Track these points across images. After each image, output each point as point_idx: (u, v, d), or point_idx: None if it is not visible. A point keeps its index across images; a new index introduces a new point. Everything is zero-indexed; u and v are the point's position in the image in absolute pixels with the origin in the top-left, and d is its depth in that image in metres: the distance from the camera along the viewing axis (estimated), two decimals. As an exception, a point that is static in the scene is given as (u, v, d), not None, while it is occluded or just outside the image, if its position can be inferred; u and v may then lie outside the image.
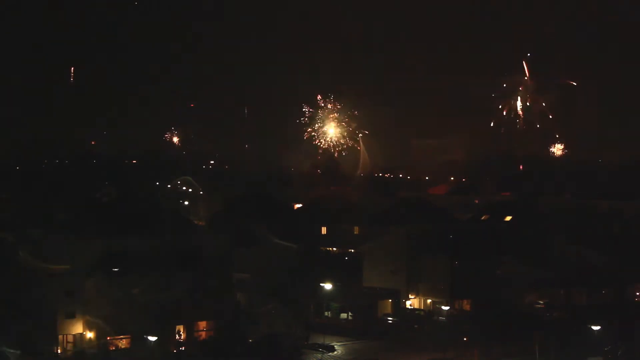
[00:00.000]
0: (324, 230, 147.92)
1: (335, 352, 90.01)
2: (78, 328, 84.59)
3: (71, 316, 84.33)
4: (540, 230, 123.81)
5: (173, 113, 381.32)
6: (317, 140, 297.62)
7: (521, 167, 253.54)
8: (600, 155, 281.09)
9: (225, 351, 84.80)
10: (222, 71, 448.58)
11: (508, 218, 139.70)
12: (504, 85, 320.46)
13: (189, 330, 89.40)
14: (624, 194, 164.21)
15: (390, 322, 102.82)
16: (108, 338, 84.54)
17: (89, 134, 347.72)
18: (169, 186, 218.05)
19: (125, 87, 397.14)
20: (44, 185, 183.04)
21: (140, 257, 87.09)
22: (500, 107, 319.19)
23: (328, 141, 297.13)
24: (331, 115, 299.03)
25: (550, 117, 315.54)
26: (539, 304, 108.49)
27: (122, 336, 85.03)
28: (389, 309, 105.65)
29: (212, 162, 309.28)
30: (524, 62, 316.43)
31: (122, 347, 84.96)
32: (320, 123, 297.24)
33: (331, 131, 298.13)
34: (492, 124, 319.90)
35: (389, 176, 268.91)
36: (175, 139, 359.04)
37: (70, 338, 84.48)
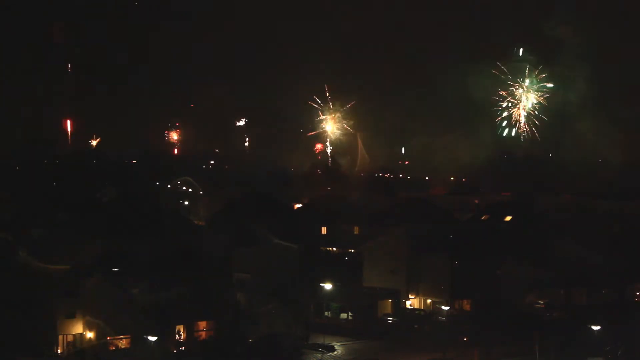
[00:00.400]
0: (324, 230, 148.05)
1: (335, 352, 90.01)
2: (78, 328, 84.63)
3: (71, 316, 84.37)
4: (540, 230, 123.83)
5: (173, 113, 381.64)
6: (318, 140, 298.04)
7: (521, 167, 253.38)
8: (600, 156, 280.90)
9: (225, 351, 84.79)
10: (221, 71, 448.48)
11: (508, 218, 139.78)
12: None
13: (189, 330, 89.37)
14: (624, 194, 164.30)
15: (390, 322, 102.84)
16: (108, 338, 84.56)
17: (89, 134, 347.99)
18: (169, 186, 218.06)
19: (125, 87, 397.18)
20: (44, 185, 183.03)
21: (140, 257, 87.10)
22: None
23: (328, 136, 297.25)
24: (331, 114, 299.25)
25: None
26: (539, 304, 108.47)
27: (122, 336, 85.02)
28: (389, 309, 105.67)
29: (212, 162, 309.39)
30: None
31: (122, 347, 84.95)
32: (321, 121, 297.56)
33: (328, 128, 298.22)
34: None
35: (389, 176, 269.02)
36: (176, 139, 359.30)
37: (70, 338, 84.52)
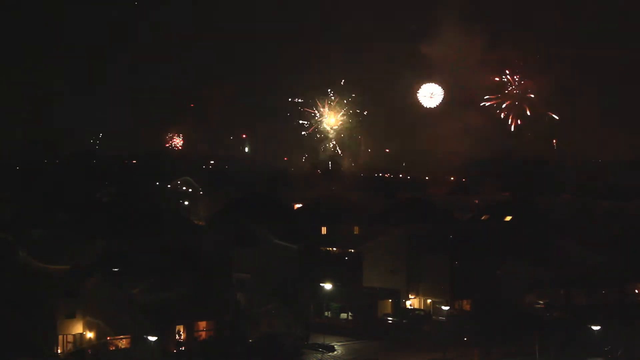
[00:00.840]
0: (324, 230, 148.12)
1: (335, 352, 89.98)
2: (78, 328, 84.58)
3: (71, 316, 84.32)
4: (540, 230, 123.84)
5: (173, 113, 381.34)
6: (318, 138, 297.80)
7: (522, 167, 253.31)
8: (600, 155, 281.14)
9: (225, 351, 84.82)
10: (221, 71, 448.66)
11: (508, 218, 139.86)
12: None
13: (189, 330, 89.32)
14: (624, 194, 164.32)
15: (390, 322, 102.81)
16: (108, 338, 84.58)
17: (89, 134, 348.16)
18: (169, 186, 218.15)
19: (125, 87, 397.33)
20: (44, 185, 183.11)
21: (140, 257, 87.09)
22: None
23: (328, 132, 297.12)
24: (331, 110, 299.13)
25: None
26: (539, 304, 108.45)
27: (122, 336, 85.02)
28: (389, 309, 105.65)
29: (212, 162, 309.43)
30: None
31: (122, 347, 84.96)
32: (321, 118, 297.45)
33: (332, 120, 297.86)
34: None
35: (389, 176, 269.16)
36: (176, 139, 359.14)
37: (70, 338, 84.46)
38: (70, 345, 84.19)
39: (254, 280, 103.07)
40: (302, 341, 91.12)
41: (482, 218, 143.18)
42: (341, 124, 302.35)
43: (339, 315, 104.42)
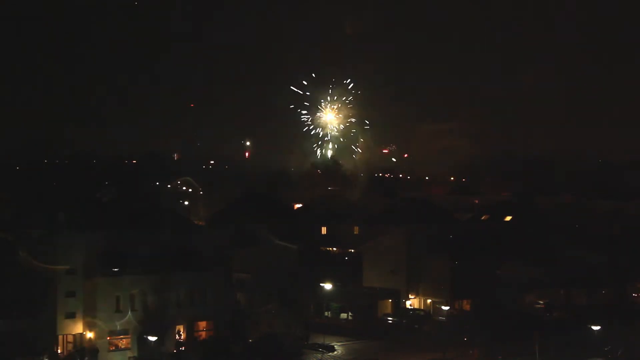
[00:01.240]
0: (324, 230, 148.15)
1: (335, 352, 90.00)
2: (78, 328, 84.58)
3: (71, 316, 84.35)
4: (540, 230, 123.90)
5: (173, 113, 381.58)
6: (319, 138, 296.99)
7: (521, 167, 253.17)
8: (600, 155, 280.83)
9: (225, 351, 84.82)
10: (221, 71, 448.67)
11: (508, 218, 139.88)
12: None
13: (189, 330, 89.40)
14: (624, 194, 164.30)
15: (390, 322, 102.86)
16: (108, 338, 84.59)
17: (88, 134, 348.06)
18: (168, 186, 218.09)
19: (125, 87, 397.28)
20: (44, 185, 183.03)
21: (140, 257, 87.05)
22: None
23: (327, 129, 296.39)
24: (331, 107, 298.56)
25: None
26: (539, 304, 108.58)
27: (122, 336, 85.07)
28: (389, 309, 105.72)
29: (212, 162, 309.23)
30: None
31: (122, 347, 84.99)
32: (321, 116, 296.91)
33: (330, 117, 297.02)
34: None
35: (389, 176, 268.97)
36: (176, 139, 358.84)
37: (70, 338, 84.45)
38: (70, 346, 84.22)
39: (254, 280, 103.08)
40: (302, 341, 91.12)
41: (482, 218, 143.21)
42: (342, 123, 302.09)
43: (339, 315, 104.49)
